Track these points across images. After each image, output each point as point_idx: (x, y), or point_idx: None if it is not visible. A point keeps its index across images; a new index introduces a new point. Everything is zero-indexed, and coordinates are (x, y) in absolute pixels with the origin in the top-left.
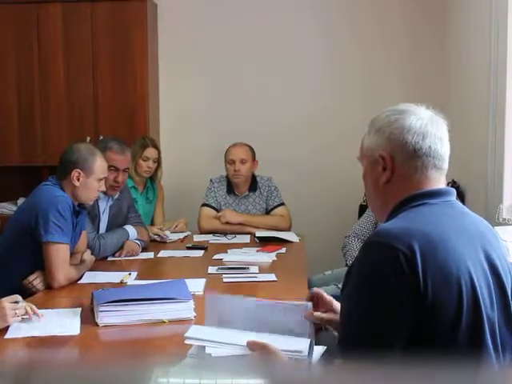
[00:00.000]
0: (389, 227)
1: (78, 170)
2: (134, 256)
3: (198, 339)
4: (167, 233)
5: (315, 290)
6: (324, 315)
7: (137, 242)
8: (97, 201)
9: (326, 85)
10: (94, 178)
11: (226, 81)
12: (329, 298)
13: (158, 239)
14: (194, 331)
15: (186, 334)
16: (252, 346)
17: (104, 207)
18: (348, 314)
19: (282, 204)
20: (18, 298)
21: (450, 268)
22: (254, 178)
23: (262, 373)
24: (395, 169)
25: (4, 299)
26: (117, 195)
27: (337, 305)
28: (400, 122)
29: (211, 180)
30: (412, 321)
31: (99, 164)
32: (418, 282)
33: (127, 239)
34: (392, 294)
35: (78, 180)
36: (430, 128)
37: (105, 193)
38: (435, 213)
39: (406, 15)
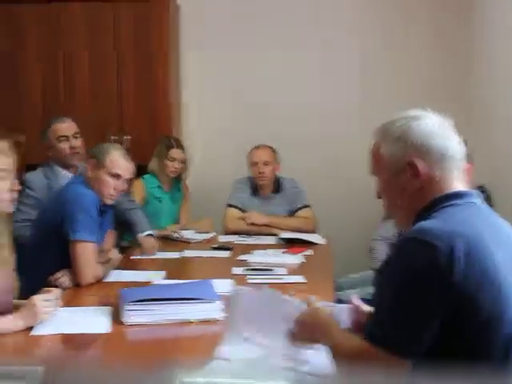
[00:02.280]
0: (427, 226)
1: (91, 161)
2: (152, 255)
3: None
4: (188, 232)
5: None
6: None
7: (151, 233)
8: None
9: (350, 83)
10: (105, 170)
11: (250, 81)
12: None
13: (176, 236)
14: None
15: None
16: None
17: None
18: (383, 307)
19: (307, 206)
20: (57, 291)
21: (487, 267)
22: (278, 180)
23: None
24: (425, 173)
25: (35, 297)
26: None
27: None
28: (422, 126)
29: (236, 181)
30: (447, 320)
31: (112, 158)
32: (457, 281)
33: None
34: (430, 294)
35: (92, 171)
36: (447, 130)
37: (68, 166)
38: (466, 213)
39: (430, 14)
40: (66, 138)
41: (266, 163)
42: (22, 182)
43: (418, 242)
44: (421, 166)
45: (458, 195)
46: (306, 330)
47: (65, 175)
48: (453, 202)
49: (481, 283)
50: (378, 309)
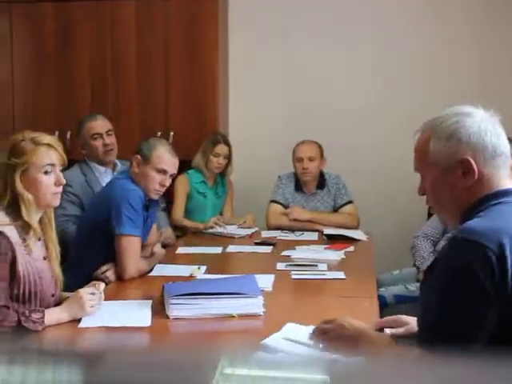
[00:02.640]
0: (475, 225)
1: (138, 157)
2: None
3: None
4: (231, 227)
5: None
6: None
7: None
8: (99, 179)
9: (391, 76)
10: (151, 166)
11: (296, 78)
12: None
13: (219, 229)
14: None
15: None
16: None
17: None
18: (431, 309)
19: (350, 202)
20: (101, 286)
21: None
22: (322, 176)
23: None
24: (477, 171)
25: (82, 290)
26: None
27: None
28: (476, 125)
29: (279, 177)
30: (498, 321)
31: (158, 153)
32: (508, 281)
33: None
34: (480, 293)
35: (138, 167)
36: (498, 127)
37: (103, 163)
38: None
39: (469, 9)
40: (100, 135)
41: (311, 159)
42: None
43: (467, 242)
44: (474, 163)
45: (506, 193)
46: (348, 340)
47: (101, 171)
48: (501, 200)
49: None
50: (428, 313)
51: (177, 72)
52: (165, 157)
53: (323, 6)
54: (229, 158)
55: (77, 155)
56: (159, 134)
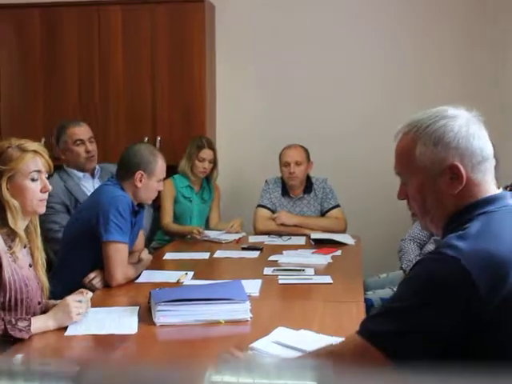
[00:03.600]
0: (460, 243)
1: (141, 172)
2: None
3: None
4: (218, 233)
5: None
6: None
7: None
8: (79, 185)
9: (380, 85)
10: (155, 179)
11: (283, 82)
12: None
13: (199, 237)
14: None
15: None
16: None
17: (90, 190)
18: (392, 302)
19: (338, 206)
20: (89, 294)
21: None
22: (309, 180)
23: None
24: (465, 177)
25: (68, 297)
26: (97, 171)
27: None
28: (463, 129)
29: (266, 181)
30: (459, 336)
31: (160, 165)
32: (480, 305)
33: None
34: (446, 309)
35: (141, 181)
36: (482, 129)
37: (83, 170)
38: (498, 224)
39: (459, 16)
40: (82, 141)
41: (297, 163)
42: None
43: (447, 257)
44: (462, 169)
45: (491, 200)
46: None
47: (80, 176)
48: (486, 209)
49: (507, 309)
50: (385, 307)
51: (164, 77)
52: (163, 166)
53: (312, 12)
54: (214, 162)
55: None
56: (146, 139)
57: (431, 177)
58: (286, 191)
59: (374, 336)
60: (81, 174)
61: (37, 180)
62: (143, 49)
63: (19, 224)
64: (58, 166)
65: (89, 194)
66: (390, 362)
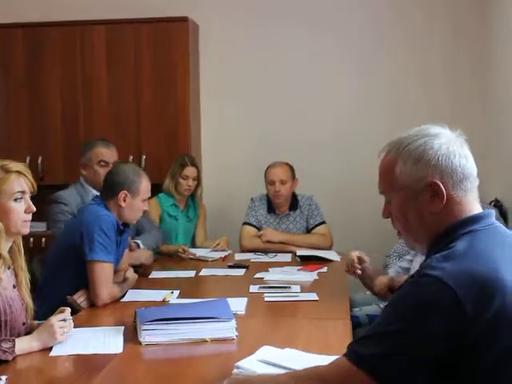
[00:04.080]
0: (447, 264)
1: (125, 192)
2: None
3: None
4: (204, 251)
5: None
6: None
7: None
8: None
9: (361, 98)
10: (139, 198)
11: (268, 100)
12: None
13: (184, 256)
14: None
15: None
16: None
17: None
18: (378, 325)
19: (323, 223)
20: (67, 311)
21: (504, 308)
22: (294, 197)
23: None
24: (446, 194)
25: (52, 317)
26: None
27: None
28: (443, 147)
29: (252, 199)
30: (447, 357)
31: (144, 185)
32: (467, 325)
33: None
34: (432, 332)
35: (125, 201)
36: (465, 148)
37: (99, 190)
38: (483, 244)
39: (442, 28)
40: (107, 164)
41: (282, 182)
42: (54, 200)
43: (432, 278)
44: (442, 187)
45: (476, 219)
46: None
47: (95, 195)
48: (471, 228)
49: (493, 329)
50: (371, 330)
51: (148, 96)
52: (147, 186)
53: (295, 29)
54: (198, 179)
55: (50, 180)
56: (131, 157)
57: (412, 195)
58: (271, 208)
59: (360, 359)
60: (96, 194)
61: (21, 201)
62: (127, 68)
63: (3, 245)
64: (46, 186)
65: None
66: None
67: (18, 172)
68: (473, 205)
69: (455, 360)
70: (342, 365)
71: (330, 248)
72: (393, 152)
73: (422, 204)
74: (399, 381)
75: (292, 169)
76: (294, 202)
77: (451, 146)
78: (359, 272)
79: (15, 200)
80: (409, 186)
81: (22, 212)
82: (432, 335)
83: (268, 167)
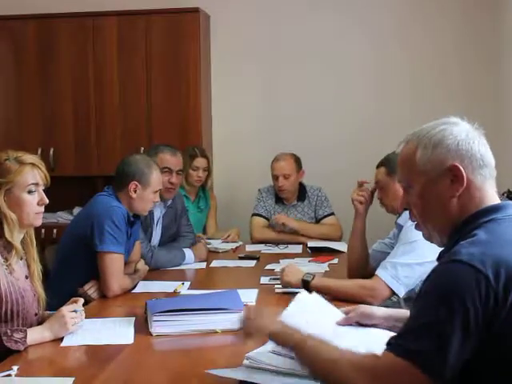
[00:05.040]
0: (472, 249)
1: (136, 183)
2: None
3: (260, 362)
4: (215, 242)
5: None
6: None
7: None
8: (151, 210)
9: (377, 94)
10: (150, 190)
11: (278, 91)
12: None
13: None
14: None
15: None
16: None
17: (158, 216)
18: (417, 317)
19: (332, 214)
20: (80, 301)
21: None
22: (303, 187)
23: None
24: (466, 178)
25: (63, 308)
26: (170, 202)
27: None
28: (463, 133)
29: (259, 190)
30: (480, 349)
31: (155, 176)
32: (498, 310)
33: (181, 263)
34: (463, 318)
35: (135, 192)
36: (483, 138)
37: (161, 197)
38: (507, 231)
39: (455, 26)
40: (170, 171)
41: (285, 176)
42: None
43: (459, 263)
44: (462, 170)
45: (496, 209)
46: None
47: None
48: (492, 217)
49: None
50: (412, 324)
51: (159, 87)
52: (159, 177)
53: (308, 22)
54: (208, 170)
55: (61, 172)
56: (142, 149)
57: (433, 180)
58: (279, 199)
59: (415, 355)
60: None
61: (34, 193)
62: (138, 59)
63: (15, 236)
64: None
65: (155, 220)
66: (430, 381)
67: (32, 164)
68: (492, 193)
69: (484, 345)
70: (391, 360)
71: (340, 238)
72: (413, 140)
73: (443, 189)
74: (451, 372)
75: (297, 160)
76: (302, 193)
77: (470, 133)
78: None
79: (29, 192)
80: (429, 171)
81: (34, 204)
82: (470, 320)
83: (273, 160)
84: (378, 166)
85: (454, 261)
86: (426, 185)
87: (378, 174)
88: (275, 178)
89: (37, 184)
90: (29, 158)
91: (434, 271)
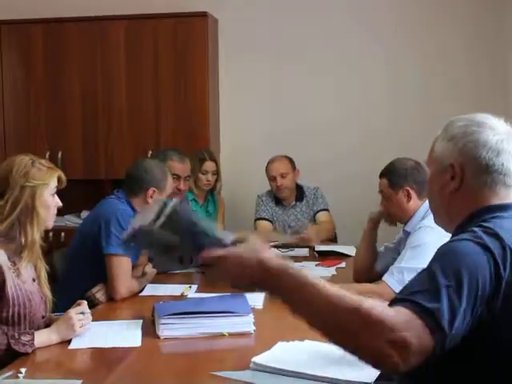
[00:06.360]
0: (480, 233)
1: (154, 189)
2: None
3: (266, 366)
4: None
5: None
6: None
7: None
8: None
9: (384, 98)
10: (164, 194)
11: (286, 95)
12: None
13: None
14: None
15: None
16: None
17: None
18: (433, 278)
19: (326, 210)
20: (84, 304)
21: None
22: (300, 188)
23: None
24: (464, 180)
25: (71, 310)
26: None
27: None
28: (476, 135)
29: (258, 196)
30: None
31: (170, 181)
32: (498, 288)
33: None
34: (471, 287)
35: (151, 197)
36: (506, 145)
37: None
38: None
39: (463, 30)
40: (178, 178)
41: (283, 175)
42: None
43: (468, 241)
44: (460, 171)
45: (503, 207)
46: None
47: None
48: (498, 214)
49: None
50: (423, 285)
51: (167, 91)
52: (172, 182)
53: (315, 25)
54: (217, 173)
55: (69, 175)
56: (150, 152)
57: (439, 171)
58: (278, 201)
59: (430, 316)
60: None
61: (55, 195)
62: (146, 63)
63: (39, 237)
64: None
65: None
66: (433, 342)
67: (54, 169)
68: (496, 198)
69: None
70: (410, 317)
71: (331, 235)
72: (442, 129)
73: (443, 182)
74: (455, 340)
75: (291, 161)
76: (299, 193)
77: (485, 136)
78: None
79: (52, 194)
80: (438, 162)
81: (55, 207)
82: (478, 292)
83: (268, 163)
84: (380, 176)
85: (460, 238)
86: (435, 173)
87: (380, 185)
88: (272, 178)
89: (57, 187)
90: (47, 163)
91: (444, 244)
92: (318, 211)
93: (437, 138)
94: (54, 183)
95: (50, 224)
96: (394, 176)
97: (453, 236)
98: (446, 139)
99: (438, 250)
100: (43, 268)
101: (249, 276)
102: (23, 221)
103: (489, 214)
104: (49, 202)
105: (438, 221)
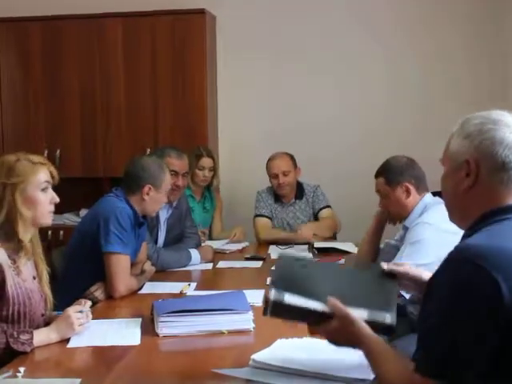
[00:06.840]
0: (480, 245)
1: (150, 186)
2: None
3: (266, 364)
4: (221, 242)
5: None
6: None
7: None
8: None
9: (384, 96)
10: (161, 191)
11: (285, 93)
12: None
13: (203, 238)
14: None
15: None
16: (333, 307)
17: (164, 217)
18: (428, 326)
19: (328, 206)
20: (87, 303)
21: None
22: (300, 186)
23: None
24: (479, 178)
25: (69, 308)
26: (175, 203)
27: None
28: (492, 132)
29: (258, 192)
30: (498, 346)
31: (167, 178)
32: (506, 304)
33: (187, 264)
34: (479, 314)
35: (148, 194)
36: None
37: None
38: None
39: (463, 29)
40: (176, 174)
41: (285, 173)
42: None
43: (468, 264)
44: (476, 168)
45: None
46: (340, 336)
47: None
48: (508, 216)
49: None
50: (425, 331)
51: (165, 88)
52: (169, 179)
53: (314, 23)
54: (214, 170)
55: (68, 173)
56: (148, 150)
57: (454, 168)
58: (277, 198)
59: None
60: None
61: (47, 191)
62: (144, 61)
63: (28, 235)
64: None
65: (161, 221)
66: None
67: (43, 163)
68: (510, 197)
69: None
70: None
71: (335, 231)
72: (457, 126)
73: (458, 179)
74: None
75: (293, 158)
76: (299, 191)
77: (502, 133)
78: None
79: (42, 190)
80: (453, 159)
81: (47, 202)
82: (479, 320)
83: (268, 160)
84: (376, 176)
85: (459, 261)
86: (449, 171)
87: (377, 185)
88: (274, 176)
89: (48, 182)
90: (38, 158)
91: (442, 272)
92: (320, 209)
93: (452, 135)
94: (41, 178)
95: (46, 221)
96: (390, 174)
97: (464, 236)
98: (462, 136)
99: (442, 279)
100: (45, 269)
101: (348, 340)
102: (12, 219)
103: (500, 215)
104: (36, 198)
105: (452, 218)
